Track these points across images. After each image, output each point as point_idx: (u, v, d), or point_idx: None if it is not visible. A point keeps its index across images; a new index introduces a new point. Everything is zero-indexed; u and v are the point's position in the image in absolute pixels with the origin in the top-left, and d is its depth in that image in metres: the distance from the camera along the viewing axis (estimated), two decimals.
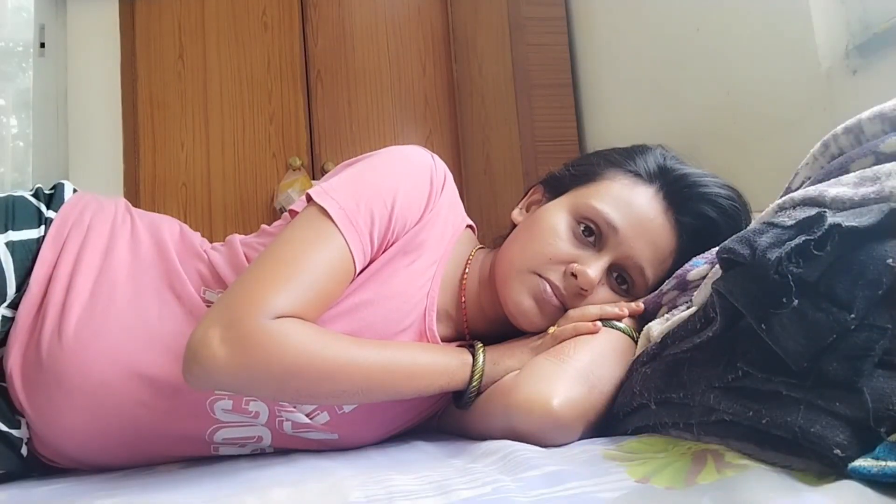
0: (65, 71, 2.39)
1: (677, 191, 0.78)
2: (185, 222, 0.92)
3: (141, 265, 0.78)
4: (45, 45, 2.29)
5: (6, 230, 0.75)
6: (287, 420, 0.75)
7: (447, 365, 0.72)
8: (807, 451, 0.43)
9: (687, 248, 0.77)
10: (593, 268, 0.75)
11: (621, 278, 0.78)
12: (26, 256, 0.76)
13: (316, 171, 2.39)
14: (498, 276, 0.79)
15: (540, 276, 0.76)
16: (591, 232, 0.77)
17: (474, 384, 0.72)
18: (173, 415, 0.74)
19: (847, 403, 0.42)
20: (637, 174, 0.79)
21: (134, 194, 2.29)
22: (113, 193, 2.25)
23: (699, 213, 0.77)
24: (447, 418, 0.83)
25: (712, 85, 1.28)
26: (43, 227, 0.79)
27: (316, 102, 2.42)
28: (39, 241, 0.77)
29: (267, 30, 2.44)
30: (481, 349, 0.75)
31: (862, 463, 0.41)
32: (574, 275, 0.75)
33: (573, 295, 0.76)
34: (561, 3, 1.83)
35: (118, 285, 0.76)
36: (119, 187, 2.30)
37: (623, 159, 0.82)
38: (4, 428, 0.73)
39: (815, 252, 0.43)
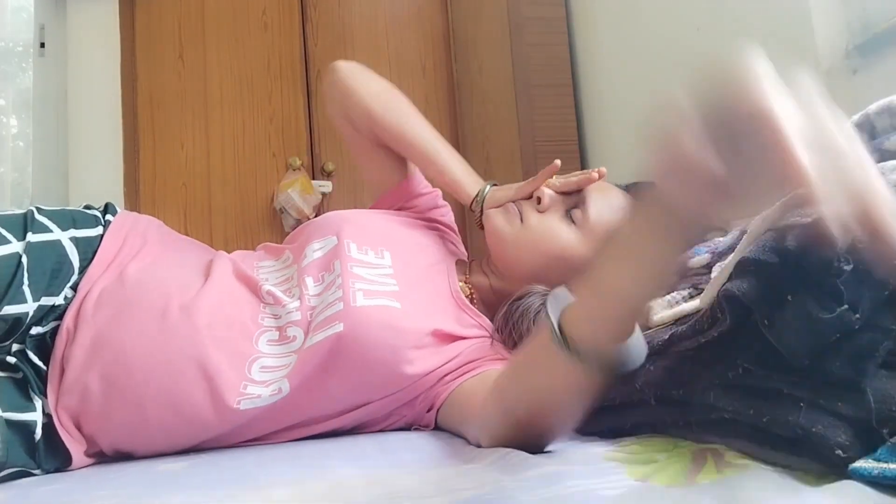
0: (65, 71, 2.39)
1: (636, 188, 0.94)
2: (185, 222, 1.06)
3: (189, 255, 0.96)
4: (45, 45, 2.29)
5: (69, 228, 0.88)
6: (318, 315, 0.84)
7: (467, 175, 1.04)
8: (807, 450, 0.43)
9: None
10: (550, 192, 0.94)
11: (572, 214, 0.93)
12: (88, 249, 0.89)
13: (316, 171, 2.39)
14: None
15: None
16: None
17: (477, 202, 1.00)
18: (223, 342, 0.82)
19: (850, 404, 0.42)
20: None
21: (134, 194, 2.29)
22: (113, 193, 2.25)
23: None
24: (446, 418, 0.84)
25: None
26: (101, 227, 0.93)
27: (316, 102, 2.42)
28: (99, 239, 0.91)
29: (267, 30, 2.44)
30: (490, 184, 1.01)
31: (863, 464, 0.41)
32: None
33: (529, 204, 0.95)
34: (561, 3, 1.83)
35: (172, 265, 0.91)
36: (119, 187, 2.29)
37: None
38: (17, 416, 0.75)
39: (859, 245, 0.43)
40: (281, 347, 0.85)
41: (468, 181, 1.03)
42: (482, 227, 0.99)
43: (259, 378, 0.82)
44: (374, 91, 1.08)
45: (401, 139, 1.06)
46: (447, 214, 1.13)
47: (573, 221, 0.93)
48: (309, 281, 0.89)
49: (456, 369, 0.85)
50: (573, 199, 0.94)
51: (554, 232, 0.93)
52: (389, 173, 1.12)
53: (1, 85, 2.27)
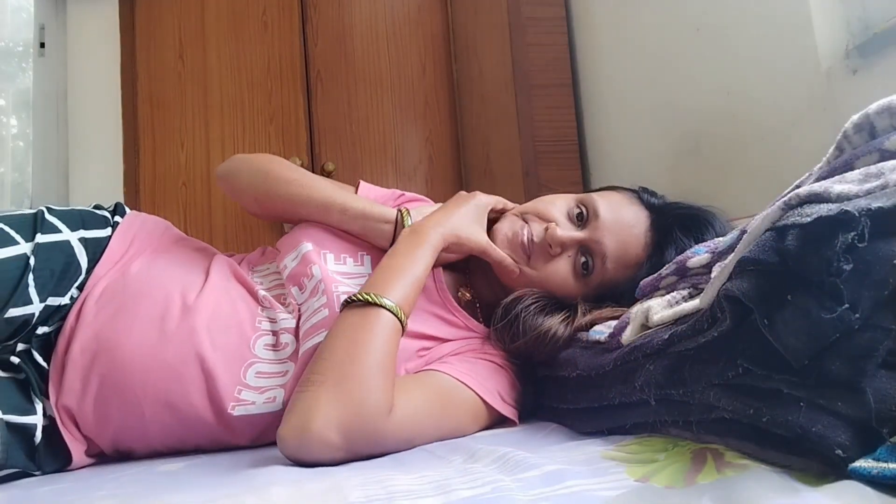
0: (65, 71, 2.39)
1: (662, 213, 0.90)
2: (185, 222, 1.08)
3: (190, 255, 0.97)
4: (45, 45, 2.29)
5: (79, 229, 0.89)
6: (304, 323, 0.86)
7: (372, 205, 0.94)
8: (807, 450, 0.43)
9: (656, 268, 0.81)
10: (566, 231, 0.89)
11: (586, 265, 0.89)
12: (96, 250, 0.90)
13: (316, 171, 2.38)
14: None
15: (525, 221, 0.92)
16: (582, 216, 0.91)
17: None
18: (221, 345, 0.83)
19: (849, 403, 0.42)
20: (640, 197, 0.94)
21: (134, 194, 2.29)
22: (113, 193, 2.25)
23: (675, 237, 0.86)
24: None
25: (712, 85, 1.28)
26: (110, 228, 0.94)
27: (316, 102, 2.42)
28: (108, 240, 0.92)
29: (267, 30, 2.44)
30: (407, 214, 0.92)
31: (862, 464, 0.41)
32: (547, 229, 0.89)
33: (540, 247, 0.89)
34: (561, 3, 1.83)
35: (175, 264, 0.93)
36: (119, 187, 2.29)
37: (636, 188, 0.97)
38: (17, 419, 0.76)
39: (858, 245, 0.43)
40: (275, 353, 0.86)
41: (377, 210, 0.93)
42: None
43: (254, 384, 0.83)
44: (247, 193, 1.00)
45: (295, 216, 0.99)
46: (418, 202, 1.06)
47: (585, 271, 0.88)
48: (295, 291, 0.91)
49: (438, 358, 0.86)
50: (585, 239, 0.89)
51: (564, 283, 0.89)
52: None
53: (1, 85, 2.27)
